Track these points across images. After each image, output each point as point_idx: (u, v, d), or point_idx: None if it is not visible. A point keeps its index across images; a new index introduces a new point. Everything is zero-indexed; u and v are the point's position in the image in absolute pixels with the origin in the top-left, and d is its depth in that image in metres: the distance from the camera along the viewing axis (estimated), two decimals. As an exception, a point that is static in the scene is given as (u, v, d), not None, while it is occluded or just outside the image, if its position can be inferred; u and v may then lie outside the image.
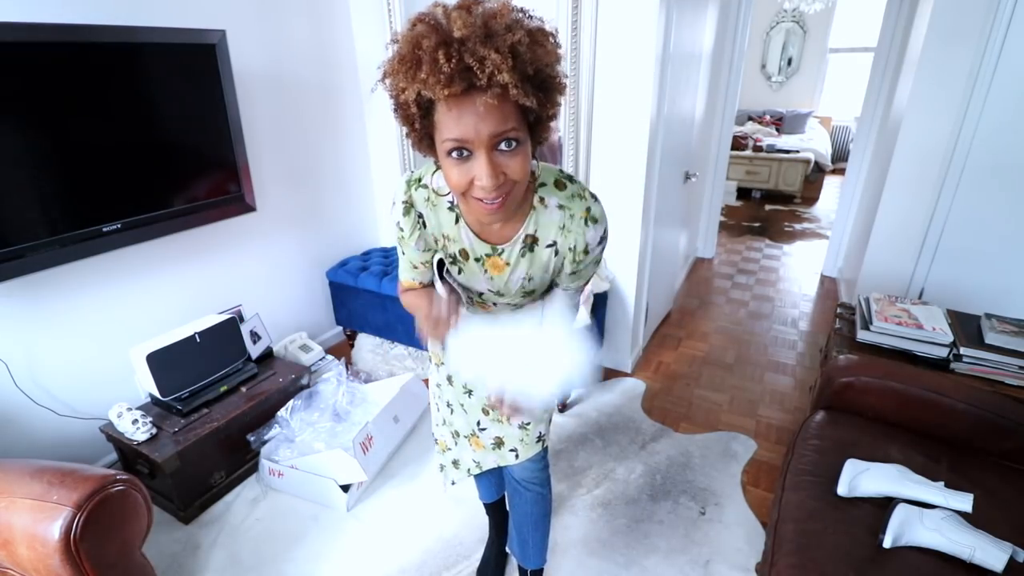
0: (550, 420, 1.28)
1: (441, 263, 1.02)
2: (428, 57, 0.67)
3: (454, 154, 0.74)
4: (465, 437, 1.29)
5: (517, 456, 1.25)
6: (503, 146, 0.73)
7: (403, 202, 0.94)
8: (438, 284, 1.06)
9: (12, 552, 1.10)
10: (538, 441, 1.24)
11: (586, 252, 0.92)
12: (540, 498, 1.36)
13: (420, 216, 0.95)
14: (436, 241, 0.98)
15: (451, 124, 0.71)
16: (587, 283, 1.06)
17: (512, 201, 0.79)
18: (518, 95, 0.69)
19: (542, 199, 0.90)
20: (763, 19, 6.82)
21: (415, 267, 1.03)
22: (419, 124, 0.76)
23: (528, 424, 1.21)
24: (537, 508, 1.37)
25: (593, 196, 0.92)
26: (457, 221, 0.93)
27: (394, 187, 0.98)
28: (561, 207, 0.90)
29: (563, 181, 0.92)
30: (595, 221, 0.90)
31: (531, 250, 0.93)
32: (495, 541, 1.64)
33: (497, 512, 1.59)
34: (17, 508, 1.09)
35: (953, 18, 2.10)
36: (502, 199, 0.77)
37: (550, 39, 0.74)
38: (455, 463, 1.36)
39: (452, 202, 0.93)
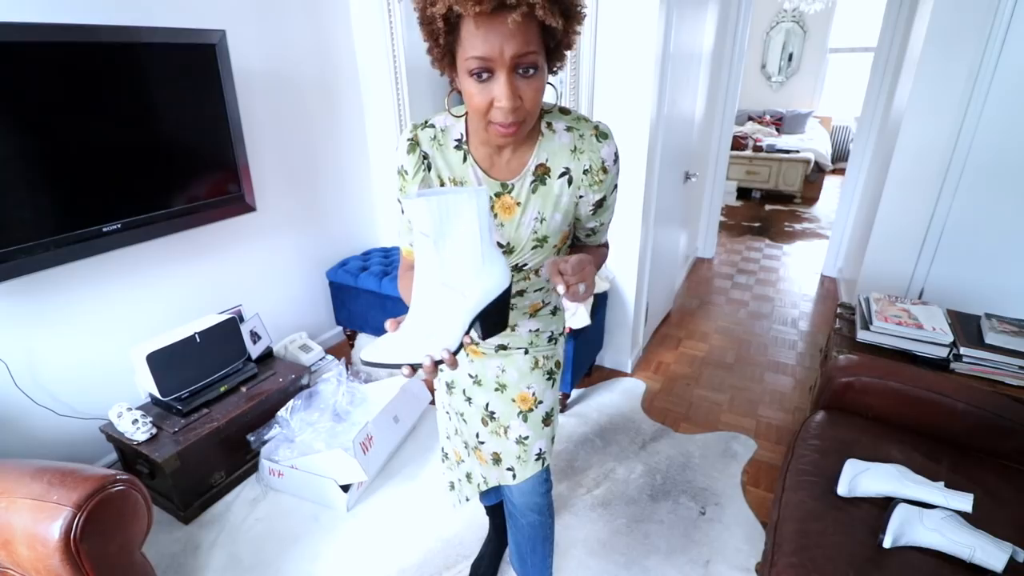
0: (552, 438, 1.21)
1: None
2: None
3: (475, 75, 0.75)
4: (473, 448, 1.23)
5: (515, 476, 1.18)
6: (522, 71, 0.75)
7: (408, 139, 0.92)
8: None
9: (12, 552, 1.10)
10: (537, 459, 1.17)
11: (604, 171, 0.90)
12: (539, 526, 1.29)
13: (425, 156, 0.92)
14: (442, 185, 0.94)
15: (477, 42, 0.72)
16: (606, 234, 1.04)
17: (526, 128, 0.81)
18: (545, 15, 0.70)
19: (549, 124, 0.90)
20: (763, 19, 6.82)
21: (411, 228, 0.99)
22: (443, 40, 0.76)
23: (526, 438, 1.15)
24: (536, 534, 1.30)
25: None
26: (465, 159, 0.91)
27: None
28: (569, 129, 0.90)
29: (567, 108, 0.93)
30: (605, 137, 0.90)
31: (543, 183, 0.91)
32: (493, 539, 1.63)
33: (497, 515, 1.58)
34: (17, 508, 1.09)
35: (953, 18, 2.10)
36: (516, 126, 0.78)
37: None
38: (468, 476, 1.31)
39: (459, 140, 0.91)
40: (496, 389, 1.14)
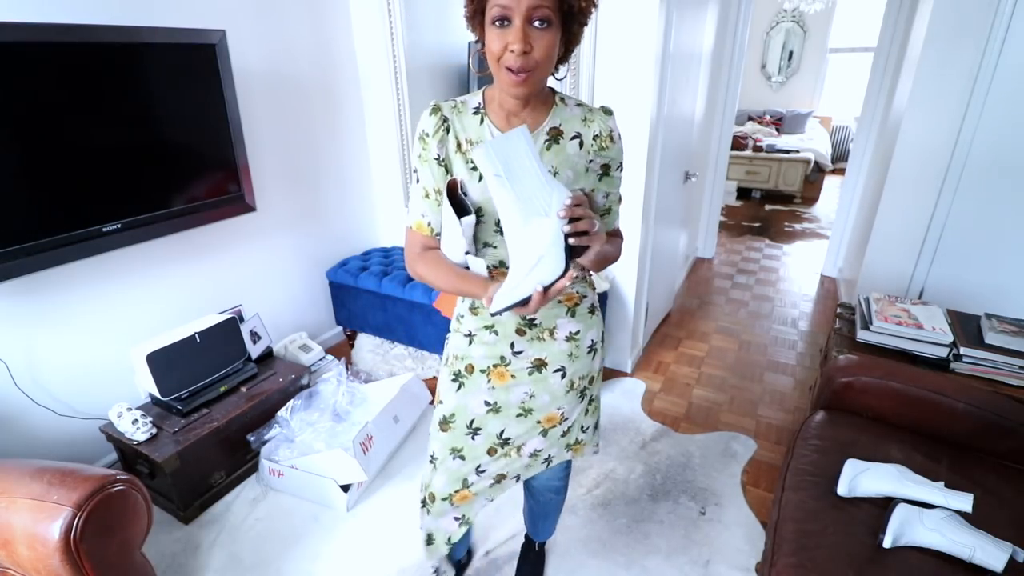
0: (596, 426, 1.31)
1: (452, 195, 0.98)
2: None
3: (496, 23, 0.85)
4: (515, 447, 1.20)
5: (549, 463, 1.26)
6: (536, 23, 0.85)
7: (432, 105, 1.02)
8: (449, 216, 0.98)
9: (12, 552, 1.10)
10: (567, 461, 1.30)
11: (611, 139, 1.00)
12: (556, 502, 1.45)
13: (445, 120, 1.00)
14: (459, 147, 0.99)
15: None
16: (615, 219, 1.10)
17: (535, 81, 0.89)
18: None
19: (563, 99, 1.01)
20: (763, 19, 6.82)
21: (427, 195, 1.02)
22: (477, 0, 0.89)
23: (542, 450, 1.22)
24: (552, 508, 1.46)
25: None
26: (482, 122, 1.00)
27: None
28: (580, 105, 1.02)
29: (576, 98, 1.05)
30: (610, 113, 1.01)
31: (556, 142, 0.99)
32: None
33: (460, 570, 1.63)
34: (17, 508, 1.09)
35: (953, 18, 2.10)
36: (526, 75, 0.87)
37: None
38: (498, 479, 1.23)
39: (477, 107, 1.00)
40: (519, 415, 1.15)
